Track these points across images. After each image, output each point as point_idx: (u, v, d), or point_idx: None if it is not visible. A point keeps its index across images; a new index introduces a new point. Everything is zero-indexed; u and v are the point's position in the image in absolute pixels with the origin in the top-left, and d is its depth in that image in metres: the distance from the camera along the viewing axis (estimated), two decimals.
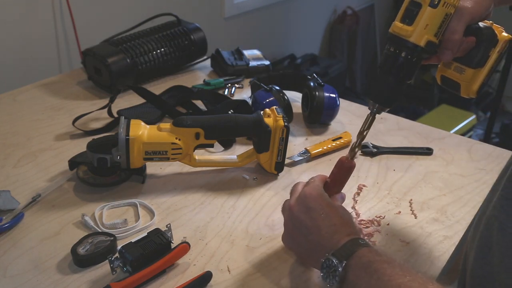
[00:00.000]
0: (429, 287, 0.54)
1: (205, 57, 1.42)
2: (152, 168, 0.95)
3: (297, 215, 0.68)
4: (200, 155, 0.95)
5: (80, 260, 0.72)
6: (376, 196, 0.90)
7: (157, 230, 0.74)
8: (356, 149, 0.74)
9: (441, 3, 0.64)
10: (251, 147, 0.95)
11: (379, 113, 0.72)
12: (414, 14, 0.66)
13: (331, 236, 0.64)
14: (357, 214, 0.84)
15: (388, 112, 1.18)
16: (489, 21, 0.73)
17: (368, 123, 0.73)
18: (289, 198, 0.73)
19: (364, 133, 0.73)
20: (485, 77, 0.73)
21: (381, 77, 0.70)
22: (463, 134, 2.69)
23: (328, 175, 0.76)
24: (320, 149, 1.01)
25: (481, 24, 0.71)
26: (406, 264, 0.58)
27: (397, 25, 0.67)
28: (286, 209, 0.71)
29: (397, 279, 0.55)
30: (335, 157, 0.97)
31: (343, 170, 0.75)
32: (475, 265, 0.63)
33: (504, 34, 0.72)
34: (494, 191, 0.64)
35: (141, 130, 0.85)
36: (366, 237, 0.79)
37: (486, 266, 0.61)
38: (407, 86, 0.71)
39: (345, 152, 0.79)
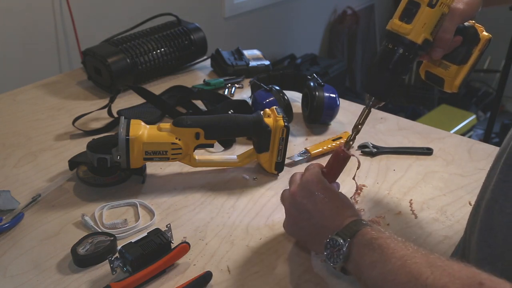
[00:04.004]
0: (431, 257, 0.55)
1: (205, 57, 1.42)
2: (152, 168, 0.95)
3: (299, 200, 0.70)
4: (200, 155, 0.95)
5: (80, 260, 0.72)
6: (376, 196, 0.90)
7: (157, 230, 0.74)
8: (351, 143, 0.76)
9: (439, 3, 0.67)
10: (251, 147, 0.95)
11: (374, 106, 0.75)
12: (413, 13, 0.68)
13: (334, 218, 0.66)
14: None
15: (388, 112, 1.19)
16: (472, 20, 0.76)
17: (363, 117, 0.76)
18: (287, 188, 0.75)
19: (359, 127, 0.76)
20: (467, 73, 0.77)
21: (378, 72, 0.73)
22: (463, 134, 2.69)
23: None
24: (320, 149, 1.01)
25: (465, 23, 0.75)
26: (408, 241, 0.60)
27: (396, 23, 0.70)
28: (287, 197, 0.74)
29: (400, 251, 0.57)
30: None
31: (339, 161, 0.76)
32: (478, 248, 0.65)
33: (485, 33, 0.76)
34: (490, 177, 0.66)
35: (141, 130, 0.85)
36: None
37: (488, 248, 0.63)
38: (401, 80, 0.74)
39: None
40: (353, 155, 0.77)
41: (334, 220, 0.66)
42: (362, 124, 0.76)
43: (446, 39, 0.71)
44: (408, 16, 0.69)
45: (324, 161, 1.00)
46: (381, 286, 0.56)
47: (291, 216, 0.73)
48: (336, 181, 0.78)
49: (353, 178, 0.81)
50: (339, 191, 0.77)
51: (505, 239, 0.60)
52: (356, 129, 0.76)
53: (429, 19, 0.68)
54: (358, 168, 0.79)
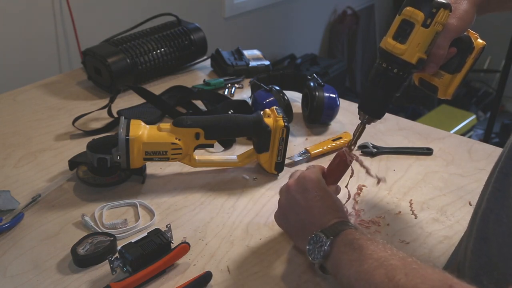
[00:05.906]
0: (408, 260, 0.57)
1: (205, 57, 1.42)
2: (152, 168, 0.95)
3: (293, 194, 0.72)
4: (200, 155, 0.95)
5: (80, 260, 0.72)
6: (376, 196, 0.90)
7: (157, 230, 0.74)
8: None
9: (433, 23, 0.67)
10: (251, 147, 0.95)
11: (368, 123, 0.76)
12: (407, 33, 0.68)
13: (322, 217, 0.68)
14: (357, 214, 0.84)
15: (388, 112, 1.19)
16: None
17: (358, 133, 0.77)
18: (287, 182, 0.77)
19: (355, 144, 0.77)
20: (461, 81, 0.77)
21: (371, 90, 0.74)
22: (463, 134, 2.69)
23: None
24: (320, 149, 1.01)
25: None
26: (389, 245, 0.61)
27: (390, 42, 0.69)
28: (283, 189, 0.76)
29: (378, 253, 0.58)
30: None
31: (340, 164, 0.77)
32: (473, 257, 0.65)
33: (479, 40, 0.76)
34: (487, 185, 0.66)
35: (141, 130, 0.85)
36: None
37: (483, 257, 0.63)
38: (395, 98, 0.74)
39: None
40: (350, 165, 0.77)
41: (321, 218, 0.67)
42: (357, 140, 0.77)
43: (440, 55, 0.70)
44: (402, 35, 0.68)
45: (324, 161, 1.00)
46: (354, 284, 0.58)
47: (282, 207, 0.75)
48: (338, 184, 0.79)
49: (346, 187, 0.81)
50: (338, 195, 0.77)
51: (500, 249, 0.60)
52: (351, 146, 0.77)
53: (423, 39, 0.67)
54: (351, 177, 0.80)
